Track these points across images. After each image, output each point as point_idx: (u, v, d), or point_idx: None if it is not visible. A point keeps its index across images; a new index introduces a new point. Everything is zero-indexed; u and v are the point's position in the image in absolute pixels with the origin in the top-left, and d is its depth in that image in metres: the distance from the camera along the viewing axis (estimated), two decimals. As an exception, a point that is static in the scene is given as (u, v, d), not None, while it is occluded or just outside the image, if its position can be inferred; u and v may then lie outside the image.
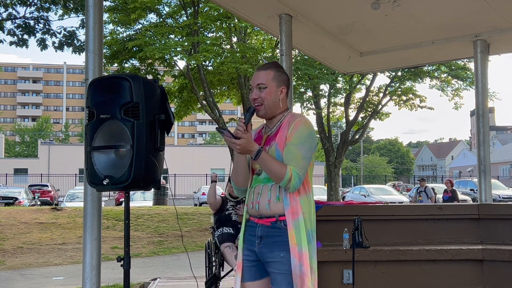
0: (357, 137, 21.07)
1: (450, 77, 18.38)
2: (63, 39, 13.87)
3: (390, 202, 19.93)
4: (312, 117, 19.92)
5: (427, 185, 15.42)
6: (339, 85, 18.99)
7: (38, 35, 13.86)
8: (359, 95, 20.35)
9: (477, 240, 4.30)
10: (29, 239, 12.10)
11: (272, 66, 2.68)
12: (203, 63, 15.64)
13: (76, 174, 39.12)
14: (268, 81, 2.61)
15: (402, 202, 21.92)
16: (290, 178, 2.45)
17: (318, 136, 19.16)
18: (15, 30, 13.76)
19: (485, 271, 4.05)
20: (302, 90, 18.54)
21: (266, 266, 2.57)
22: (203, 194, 29.74)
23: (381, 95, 19.63)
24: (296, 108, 24.93)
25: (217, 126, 2.93)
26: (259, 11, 4.62)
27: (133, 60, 16.49)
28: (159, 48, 13.90)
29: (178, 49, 14.51)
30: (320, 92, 19.29)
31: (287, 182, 2.46)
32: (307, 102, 19.65)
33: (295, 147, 2.51)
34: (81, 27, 14.24)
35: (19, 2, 13.54)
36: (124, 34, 16.26)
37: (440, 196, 16.71)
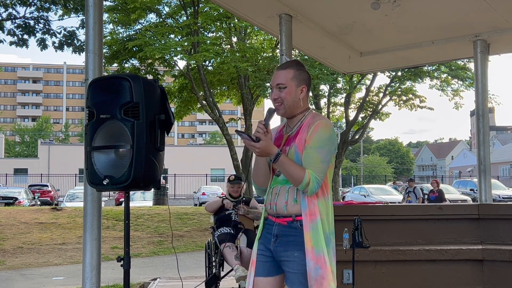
0: (357, 137, 21.09)
1: (450, 77, 18.38)
2: (63, 39, 13.86)
3: (390, 202, 19.95)
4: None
5: (415, 186, 15.32)
6: (339, 85, 19.00)
7: (38, 35, 13.86)
8: (359, 95, 20.38)
9: (477, 240, 4.30)
10: (29, 239, 12.10)
11: (293, 65, 2.65)
12: (203, 63, 15.65)
13: (76, 174, 39.13)
14: (287, 81, 2.58)
15: (402, 202, 21.94)
16: (308, 182, 2.44)
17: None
18: (15, 30, 13.76)
19: (485, 271, 4.05)
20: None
21: (281, 264, 2.58)
22: (203, 194, 29.77)
23: (381, 95, 19.64)
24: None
25: (236, 128, 2.94)
26: (259, 11, 4.62)
27: (133, 60, 16.51)
28: (159, 48, 13.91)
29: (178, 49, 14.52)
30: (320, 92, 19.29)
31: (305, 186, 2.45)
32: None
33: (314, 151, 2.49)
34: (81, 27, 14.24)
35: (19, 2, 13.54)
36: (124, 34, 16.27)
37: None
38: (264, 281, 2.60)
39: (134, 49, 15.17)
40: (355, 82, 18.68)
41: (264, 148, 2.46)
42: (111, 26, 16.31)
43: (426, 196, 15.42)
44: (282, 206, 2.56)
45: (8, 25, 14.02)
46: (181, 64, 18.11)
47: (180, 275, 4.77)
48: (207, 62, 16.26)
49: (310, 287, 2.45)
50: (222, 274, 5.79)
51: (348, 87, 18.82)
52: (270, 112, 2.58)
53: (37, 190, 29.06)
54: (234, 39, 16.64)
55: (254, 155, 2.64)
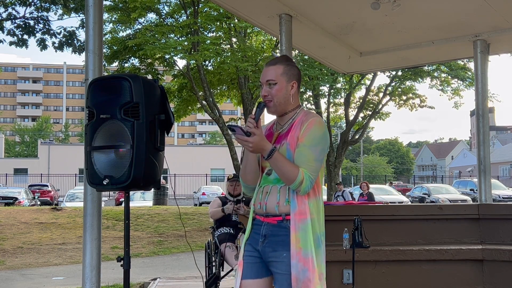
0: (357, 137, 21.07)
1: (450, 77, 18.38)
2: (63, 39, 13.86)
3: (390, 202, 19.95)
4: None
5: (344, 189, 14.86)
6: (339, 85, 19.00)
7: (38, 35, 13.86)
8: (359, 95, 20.38)
9: (477, 240, 4.30)
10: (29, 239, 12.10)
11: (282, 60, 2.58)
12: (203, 62, 15.64)
13: (76, 174, 39.12)
14: (277, 77, 2.51)
15: (402, 202, 21.95)
16: (302, 181, 2.36)
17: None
18: (15, 30, 13.75)
19: (485, 271, 4.05)
20: (302, 89, 18.53)
21: (269, 265, 2.49)
22: (203, 194, 29.79)
23: (381, 95, 19.63)
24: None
25: (228, 123, 2.84)
26: (259, 11, 4.62)
27: (133, 60, 16.51)
28: (160, 47, 13.90)
29: (178, 48, 14.51)
30: (320, 92, 19.29)
31: (298, 185, 2.37)
32: (306, 102, 19.65)
33: (307, 149, 2.41)
34: (81, 27, 14.24)
35: (19, 2, 13.54)
36: (124, 34, 16.28)
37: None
38: (252, 283, 2.51)
39: (134, 48, 15.17)
40: (355, 82, 18.67)
41: (258, 143, 2.37)
42: (111, 25, 16.31)
43: (356, 200, 14.88)
44: (273, 206, 2.47)
45: (8, 25, 14.03)
46: (181, 63, 18.12)
47: (180, 275, 4.77)
48: (207, 62, 16.25)
49: None
50: (222, 274, 5.79)
51: (348, 87, 18.81)
52: (261, 107, 2.50)
53: (37, 190, 29.08)
54: (234, 39, 16.64)
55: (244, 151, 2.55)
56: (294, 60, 2.77)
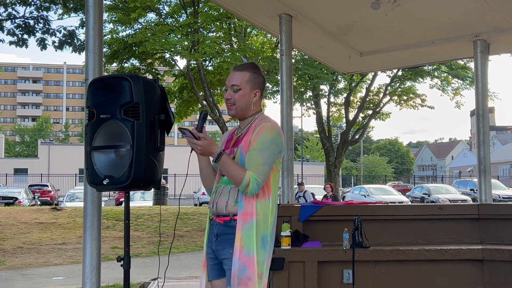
0: (357, 137, 21.08)
1: (450, 77, 18.38)
2: (63, 39, 13.85)
3: (390, 202, 19.96)
4: (312, 117, 19.90)
5: (306, 190, 14.51)
6: (339, 86, 19.00)
7: (38, 35, 13.85)
8: (359, 95, 20.36)
9: (477, 240, 4.30)
10: (29, 239, 12.10)
11: (249, 68, 2.68)
12: (203, 62, 15.65)
13: (76, 174, 39.11)
14: (242, 83, 2.62)
15: (402, 202, 21.95)
16: (248, 183, 2.46)
17: (318, 136, 19.10)
18: (15, 30, 13.74)
19: (485, 271, 4.05)
20: (302, 90, 18.54)
21: (222, 263, 2.60)
22: (203, 194, 29.77)
23: (381, 95, 19.63)
24: (297, 107, 24.85)
25: (179, 126, 2.94)
26: (259, 11, 4.62)
27: (133, 60, 16.51)
28: (159, 43, 13.89)
29: (178, 47, 14.52)
30: (320, 92, 19.29)
31: (244, 187, 2.47)
32: (306, 102, 19.66)
33: (256, 153, 2.51)
34: (81, 27, 14.23)
35: (19, 1, 13.53)
36: (124, 33, 16.28)
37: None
38: (218, 283, 2.64)
39: (134, 47, 15.17)
40: (355, 81, 18.66)
41: (206, 146, 2.51)
42: (111, 25, 16.32)
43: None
44: (222, 206, 2.58)
45: (8, 24, 14.01)
46: (181, 63, 18.12)
47: (180, 275, 4.77)
48: (207, 61, 16.26)
49: (233, 286, 2.44)
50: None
51: (348, 87, 18.81)
52: (201, 116, 2.61)
53: (37, 190, 29.06)
54: (234, 39, 16.64)
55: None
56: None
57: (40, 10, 13.84)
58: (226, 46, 16.42)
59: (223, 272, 2.61)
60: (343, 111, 20.33)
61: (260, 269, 2.48)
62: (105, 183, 2.90)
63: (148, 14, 16.16)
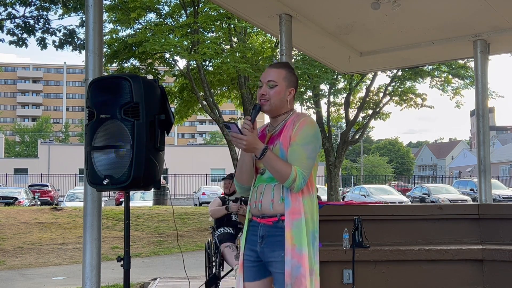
0: (357, 137, 21.06)
1: (450, 77, 18.36)
2: (63, 38, 13.84)
3: (390, 202, 19.97)
4: (312, 117, 19.85)
5: None
6: (339, 86, 18.99)
7: (38, 34, 13.85)
8: (359, 95, 20.35)
9: (477, 240, 4.30)
10: (29, 239, 12.10)
11: (285, 66, 2.66)
12: (203, 62, 15.64)
13: (76, 174, 39.12)
14: (279, 80, 2.58)
15: (402, 202, 21.95)
16: (295, 178, 2.42)
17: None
18: (15, 29, 13.74)
19: (485, 271, 4.05)
20: (302, 89, 18.53)
21: (268, 266, 2.54)
22: (203, 194, 29.78)
23: (381, 95, 19.63)
24: (296, 107, 24.86)
25: (224, 121, 2.90)
26: (259, 11, 4.62)
27: (133, 60, 16.50)
28: (159, 43, 13.89)
29: (178, 47, 14.51)
30: (320, 92, 19.28)
31: (291, 182, 2.43)
32: (306, 101, 19.64)
33: (300, 147, 2.48)
34: (81, 26, 14.23)
35: (19, 1, 13.53)
36: (124, 34, 16.28)
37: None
38: (254, 285, 2.59)
39: (134, 47, 15.17)
40: (355, 81, 18.65)
41: (251, 142, 2.43)
42: (111, 25, 16.31)
43: None
44: (268, 205, 2.53)
45: (8, 24, 14.01)
46: (181, 64, 18.12)
47: (180, 275, 4.77)
48: (207, 62, 16.25)
49: (289, 285, 2.42)
50: (222, 274, 5.79)
51: (348, 87, 18.80)
52: (256, 109, 2.56)
53: (37, 190, 29.07)
54: (234, 39, 16.64)
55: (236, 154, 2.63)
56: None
57: (40, 10, 13.84)
58: (226, 47, 16.41)
59: (260, 275, 2.58)
60: (343, 111, 20.32)
61: (313, 264, 2.49)
62: (105, 183, 2.90)
63: (148, 14, 16.15)
